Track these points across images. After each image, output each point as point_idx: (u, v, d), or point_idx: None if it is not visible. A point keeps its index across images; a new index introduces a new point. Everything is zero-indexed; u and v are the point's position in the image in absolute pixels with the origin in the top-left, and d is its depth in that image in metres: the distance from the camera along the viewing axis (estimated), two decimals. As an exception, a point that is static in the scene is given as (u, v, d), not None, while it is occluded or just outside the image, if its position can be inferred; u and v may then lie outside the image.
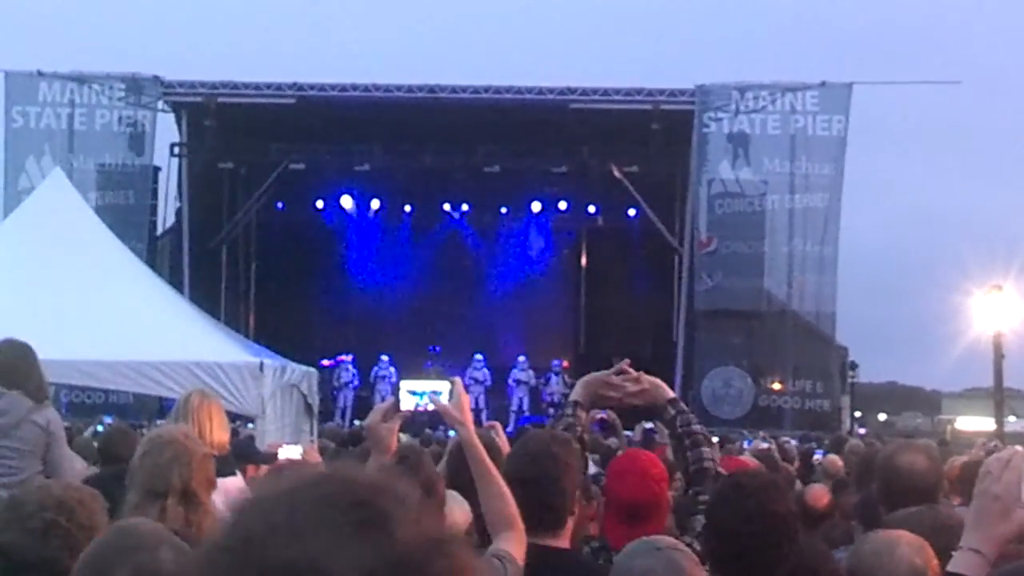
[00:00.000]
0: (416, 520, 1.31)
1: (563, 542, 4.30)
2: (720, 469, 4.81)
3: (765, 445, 16.04)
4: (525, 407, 29.37)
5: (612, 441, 13.42)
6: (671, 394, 5.00)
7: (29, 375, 7.44)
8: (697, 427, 4.90)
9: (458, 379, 4.31)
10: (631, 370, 4.97)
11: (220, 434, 6.55)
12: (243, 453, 8.31)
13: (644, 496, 4.67)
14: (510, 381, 29.62)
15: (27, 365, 7.47)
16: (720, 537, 4.05)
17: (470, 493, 4.28)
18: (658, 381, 5.04)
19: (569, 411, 5.04)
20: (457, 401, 4.09)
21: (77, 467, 7.47)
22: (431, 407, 3.80)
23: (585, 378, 5.14)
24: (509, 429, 23.77)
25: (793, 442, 18.68)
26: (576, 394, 5.12)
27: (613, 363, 5.04)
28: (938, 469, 5.27)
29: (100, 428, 12.63)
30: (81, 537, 3.38)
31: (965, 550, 3.13)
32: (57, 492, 3.57)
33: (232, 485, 5.52)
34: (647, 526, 4.44)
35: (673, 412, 4.90)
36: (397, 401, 3.87)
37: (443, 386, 3.86)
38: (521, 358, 29.70)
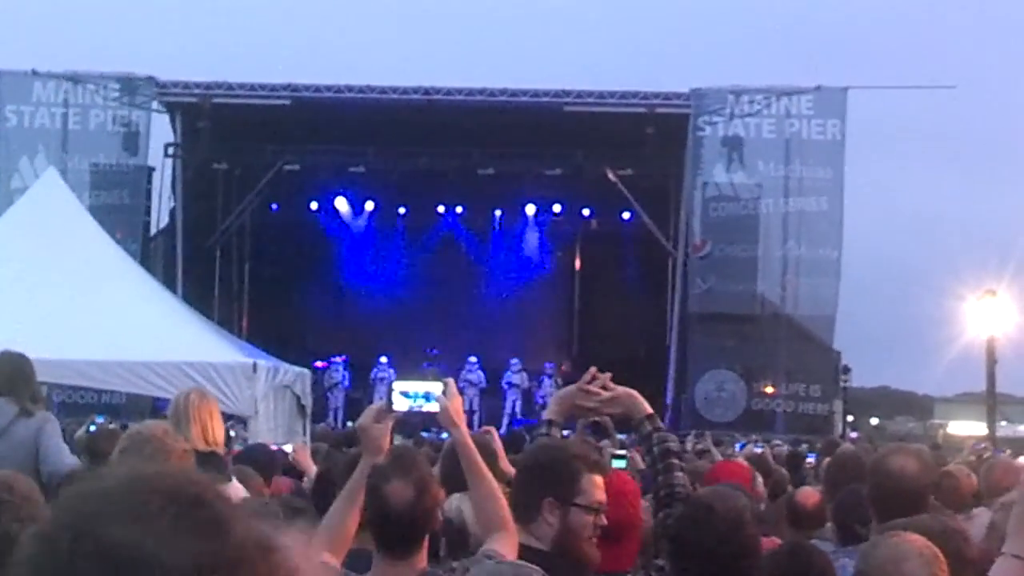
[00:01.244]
0: (249, 526, 1.34)
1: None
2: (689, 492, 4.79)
3: (759, 450, 16.04)
4: (518, 410, 29.37)
5: (605, 443, 13.41)
6: (648, 409, 4.95)
7: (25, 384, 7.44)
8: (674, 446, 4.88)
9: (451, 380, 4.32)
10: (600, 375, 4.95)
11: (220, 432, 6.58)
12: (264, 463, 8.19)
13: (617, 516, 4.67)
14: (503, 384, 29.60)
15: (21, 374, 7.47)
16: (686, 558, 4.06)
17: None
18: (634, 393, 4.97)
19: (543, 430, 4.99)
20: (451, 402, 4.09)
21: (67, 461, 7.47)
22: (425, 408, 3.82)
23: (558, 393, 5.12)
24: (502, 431, 23.80)
25: (786, 447, 18.70)
26: (550, 412, 5.08)
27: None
28: (929, 473, 5.28)
29: (92, 428, 12.61)
30: (28, 509, 3.49)
31: (1008, 556, 3.12)
32: None
33: (232, 492, 5.50)
34: (621, 544, 4.44)
35: (650, 428, 4.87)
36: (390, 402, 3.88)
37: (436, 387, 3.87)
38: (514, 360, 29.68)
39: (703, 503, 4.24)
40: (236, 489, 5.90)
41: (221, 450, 6.64)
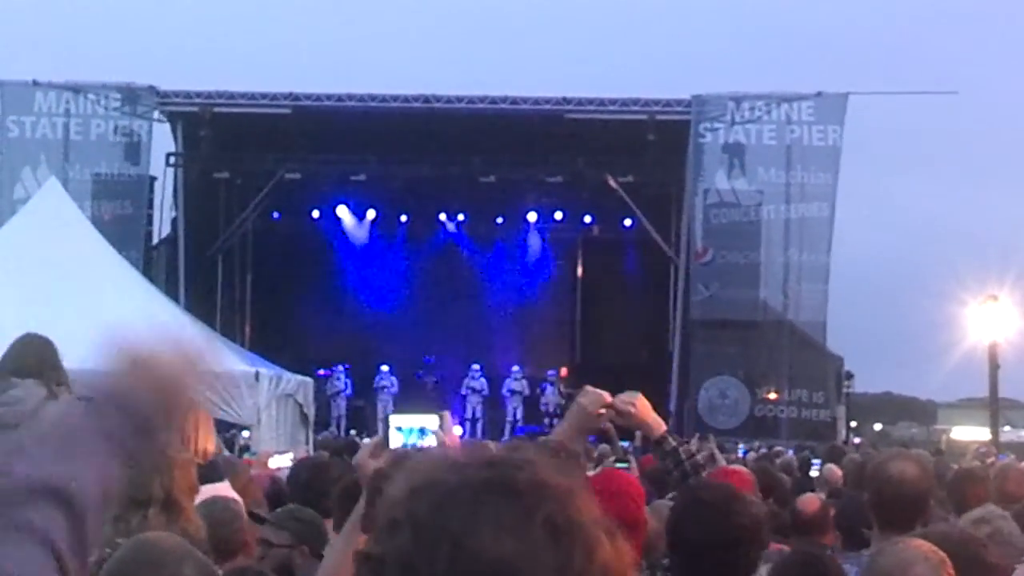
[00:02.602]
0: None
1: None
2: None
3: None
4: (519, 417, 29.36)
5: (603, 448, 13.42)
6: (663, 427, 4.89)
7: (53, 368, 7.48)
8: (702, 459, 4.88)
9: (447, 413, 4.28)
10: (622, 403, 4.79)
11: (205, 442, 6.55)
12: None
13: (621, 516, 4.66)
14: (504, 391, 29.59)
15: (49, 359, 7.52)
16: (683, 551, 4.07)
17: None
18: (648, 412, 4.94)
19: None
20: (447, 437, 4.04)
21: None
22: (420, 444, 3.76)
23: (575, 416, 4.88)
24: (505, 438, 23.83)
25: (790, 452, 18.71)
26: (562, 434, 4.89)
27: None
28: (929, 478, 5.27)
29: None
30: None
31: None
32: None
33: (219, 491, 5.52)
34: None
35: (675, 443, 4.84)
36: (386, 438, 3.85)
37: (431, 420, 3.82)
38: (515, 368, 29.67)
39: (691, 495, 4.25)
40: (225, 488, 5.92)
41: (207, 459, 6.62)
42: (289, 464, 8.54)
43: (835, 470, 11.86)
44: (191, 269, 28.12)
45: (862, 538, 5.53)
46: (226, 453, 14.64)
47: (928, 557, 3.71)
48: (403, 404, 29.76)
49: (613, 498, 4.56)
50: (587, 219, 31.39)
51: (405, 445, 3.79)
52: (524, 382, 29.66)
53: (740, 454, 19.53)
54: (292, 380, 15.41)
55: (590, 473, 6.64)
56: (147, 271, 24.01)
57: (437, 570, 1.33)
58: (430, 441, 3.79)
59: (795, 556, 4.72)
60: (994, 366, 28.64)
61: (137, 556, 3.10)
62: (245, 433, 14.15)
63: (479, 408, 29.40)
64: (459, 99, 28.11)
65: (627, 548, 1.42)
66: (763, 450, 20.53)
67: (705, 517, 3.98)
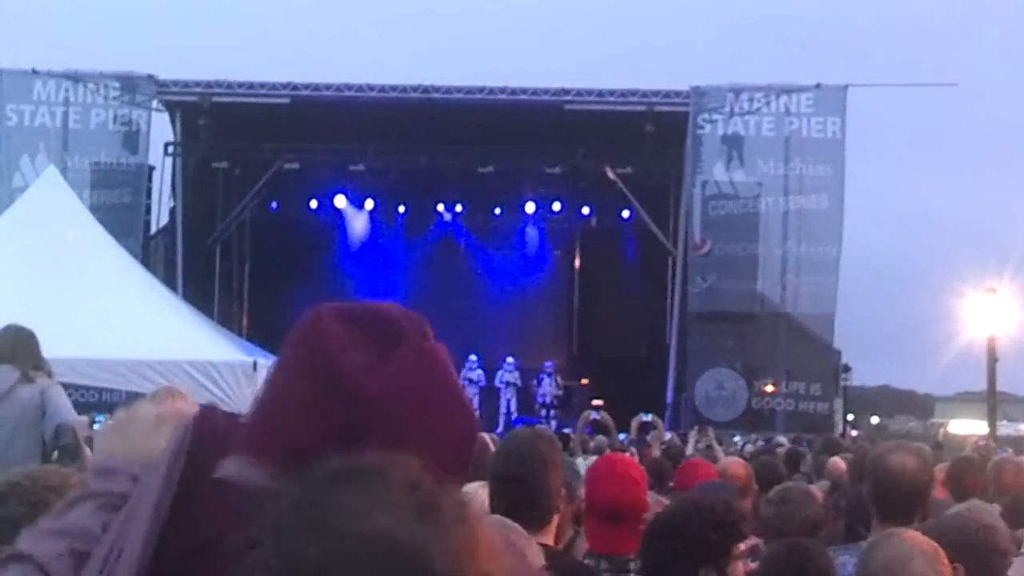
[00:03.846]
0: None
1: (548, 539, 4.30)
2: None
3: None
4: (513, 408, 29.34)
5: (600, 439, 13.42)
6: None
7: (28, 354, 7.53)
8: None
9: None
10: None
11: None
12: None
13: (623, 498, 4.67)
14: (498, 383, 29.56)
15: (24, 345, 7.57)
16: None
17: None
18: None
19: None
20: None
21: (74, 416, 7.63)
22: None
23: None
24: (499, 430, 23.84)
25: (787, 445, 18.70)
26: None
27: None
28: (929, 471, 5.28)
29: (96, 427, 12.62)
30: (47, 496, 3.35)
31: None
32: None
33: None
34: (626, 528, 4.44)
35: None
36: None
37: None
38: (509, 359, 29.63)
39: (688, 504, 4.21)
40: None
41: None
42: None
43: (839, 463, 11.85)
44: (189, 258, 28.11)
45: (858, 532, 5.54)
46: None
47: (924, 551, 3.70)
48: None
49: (615, 482, 4.58)
50: (585, 210, 31.38)
51: None
52: (517, 374, 29.62)
53: (740, 447, 19.56)
54: (290, 370, 15.38)
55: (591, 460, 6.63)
56: (145, 260, 23.99)
57: (311, 557, 1.29)
58: None
59: (781, 545, 4.72)
60: (992, 359, 28.67)
61: None
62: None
63: (475, 399, 29.36)
64: (457, 90, 28.10)
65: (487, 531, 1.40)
66: (760, 443, 20.53)
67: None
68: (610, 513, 4.26)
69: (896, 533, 3.92)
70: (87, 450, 7.20)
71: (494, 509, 4.15)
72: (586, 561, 4.60)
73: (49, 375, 7.82)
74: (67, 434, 7.28)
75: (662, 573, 3.85)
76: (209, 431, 1.78)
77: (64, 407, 7.52)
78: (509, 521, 3.61)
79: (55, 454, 7.30)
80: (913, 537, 3.82)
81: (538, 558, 3.47)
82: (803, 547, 4.52)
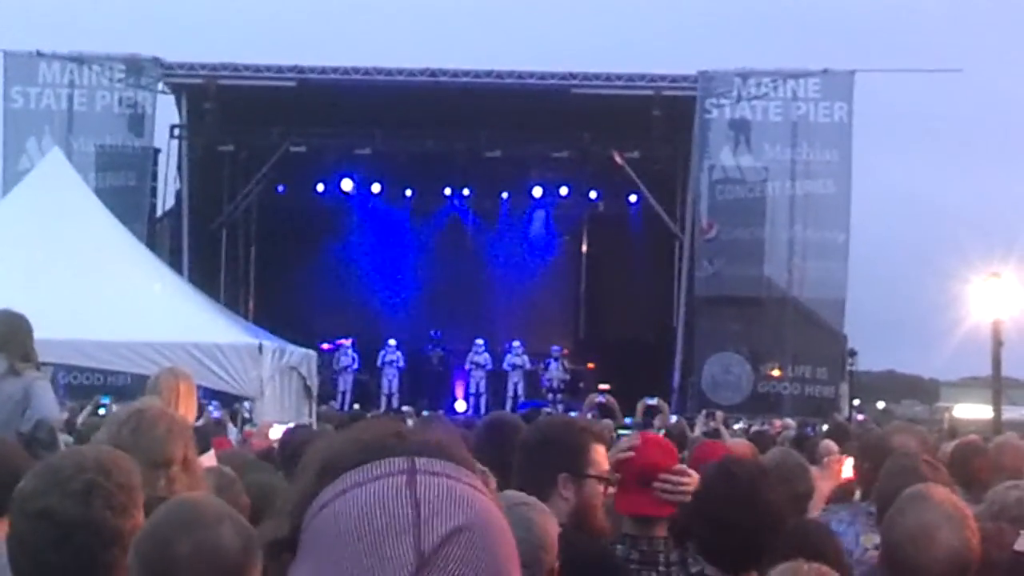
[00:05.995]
0: None
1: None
2: None
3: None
4: (520, 392, 29.35)
5: (606, 423, 13.41)
6: None
7: (19, 344, 7.49)
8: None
9: None
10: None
11: (187, 412, 6.61)
12: None
13: (656, 460, 4.63)
14: (505, 366, 29.57)
15: (15, 334, 7.54)
16: (711, 526, 4.07)
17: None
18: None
19: None
20: None
21: (57, 413, 7.63)
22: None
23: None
24: (508, 413, 23.81)
25: (793, 429, 18.69)
26: None
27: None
28: (929, 451, 5.29)
29: (102, 410, 12.64)
30: (123, 497, 3.33)
31: None
32: (92, 454, 3.54)
33: (204, 461, 5.60)
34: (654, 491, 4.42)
35: None
36: None
37: None
38: (516, 343, 29.62)
39: (724, 469, 4.25)
40: (210, 458, 6.01)
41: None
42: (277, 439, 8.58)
43: (831, 445, 11.84)
44: (195, 242, 28.12)
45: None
46: (230, 426, 14.69)
47: (951, 515, 3.64)
48: (410, 379, 29.85)
49: (655, 445, 4.59)
50: (592, 195, 31.30)
51: None
52: (525, 357, 29.62)
53: (745, 429, 19.56)
54: (296, 353, 15.40)
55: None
56: (151, 243, 23.95)
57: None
58: None
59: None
60: (997, 344, 28.58)
61: (175, 516, 3.13)
62: (247, 405, 14.15)
63: (483, 383, 29.40)
64: (465, 73, 28.03)
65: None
66: (765, 426, 20.51)
67: (734, 493, 3.99)
68: (644, 477, 4.25)
69: (924, 494, 3.81)
70: (62, 445, 7.24)
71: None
72: (619, 547, 4.58)
73: (37, 367, 7.78)
74: (45, 430, 7.26)
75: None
76: None
77: (48, 403, 7.47)
78: (528, 496, 3.64)
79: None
80: (940, 500, 3.74)
81: (555, 529, 3.56)
82: (805, 525, 4.52)
